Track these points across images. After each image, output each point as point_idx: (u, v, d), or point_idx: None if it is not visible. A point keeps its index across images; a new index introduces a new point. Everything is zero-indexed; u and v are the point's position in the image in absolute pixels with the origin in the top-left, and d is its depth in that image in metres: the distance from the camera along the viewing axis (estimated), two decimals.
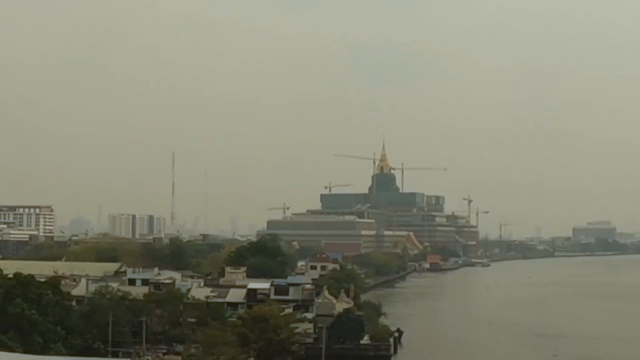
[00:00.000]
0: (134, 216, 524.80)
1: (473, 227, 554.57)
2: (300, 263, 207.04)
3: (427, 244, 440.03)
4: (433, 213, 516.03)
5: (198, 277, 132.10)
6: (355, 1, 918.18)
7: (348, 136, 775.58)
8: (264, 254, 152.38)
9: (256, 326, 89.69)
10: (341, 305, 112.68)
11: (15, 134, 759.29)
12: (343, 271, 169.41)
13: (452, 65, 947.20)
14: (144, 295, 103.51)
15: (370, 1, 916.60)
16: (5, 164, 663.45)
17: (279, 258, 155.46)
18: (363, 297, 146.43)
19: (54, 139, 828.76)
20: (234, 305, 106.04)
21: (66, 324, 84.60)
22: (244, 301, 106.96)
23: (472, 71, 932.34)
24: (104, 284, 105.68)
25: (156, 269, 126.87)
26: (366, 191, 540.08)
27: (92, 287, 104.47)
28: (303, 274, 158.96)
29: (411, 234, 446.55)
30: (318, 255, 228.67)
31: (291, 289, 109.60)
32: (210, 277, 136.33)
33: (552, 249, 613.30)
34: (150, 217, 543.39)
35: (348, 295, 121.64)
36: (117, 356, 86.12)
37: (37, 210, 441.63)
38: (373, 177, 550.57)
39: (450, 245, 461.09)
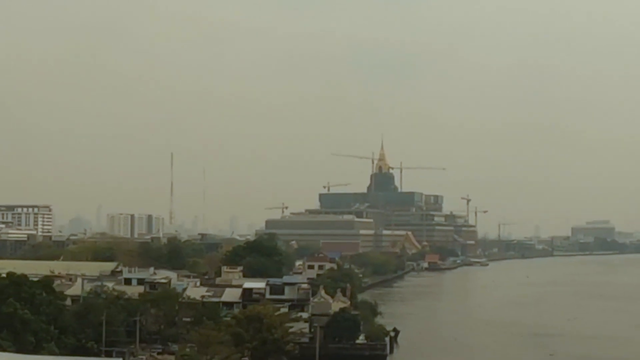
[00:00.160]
0: (132, 216, 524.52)
1: (472, 226, 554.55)
2: (298, 262, 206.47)
3: (425, 243, 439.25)
4: (432, 212, 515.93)
5: (194, 277, 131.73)
6: (355, 1, 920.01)
7: (347, 135, 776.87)
8: (260, 253, 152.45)
9: (250, 326, 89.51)
10: (337, 304, 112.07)
11: (15, 133, 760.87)
12: (340, 270, 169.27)
13: (452, 65, 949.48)
14: (140, 294, 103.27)
15: (370, 1, 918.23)
16: (4, 164, 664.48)
17: (275, 257, 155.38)
18: (360, 297, 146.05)
19: (53, 138, 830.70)
20: (229, 304, 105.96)
21: (59, 324, 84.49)
22: (240, 301, 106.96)
23: (471, 71, 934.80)
24: (99, 283, 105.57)
25: (152, 269, 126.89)
26: (365, 191, 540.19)
27: (88, 287, 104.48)
28: (300, 273, 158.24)
29: (410, 233, 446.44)
30: (316, 255, 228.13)
31: (287, 289, 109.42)
32: (206, 277, 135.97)
33: (550, 248, 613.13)
34: (149, 217, 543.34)
35: (345, 295, 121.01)
36: (111, 356, 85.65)
37: (36, 210, 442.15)
38: (372, 176, 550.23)
39: (448, 245, 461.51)
